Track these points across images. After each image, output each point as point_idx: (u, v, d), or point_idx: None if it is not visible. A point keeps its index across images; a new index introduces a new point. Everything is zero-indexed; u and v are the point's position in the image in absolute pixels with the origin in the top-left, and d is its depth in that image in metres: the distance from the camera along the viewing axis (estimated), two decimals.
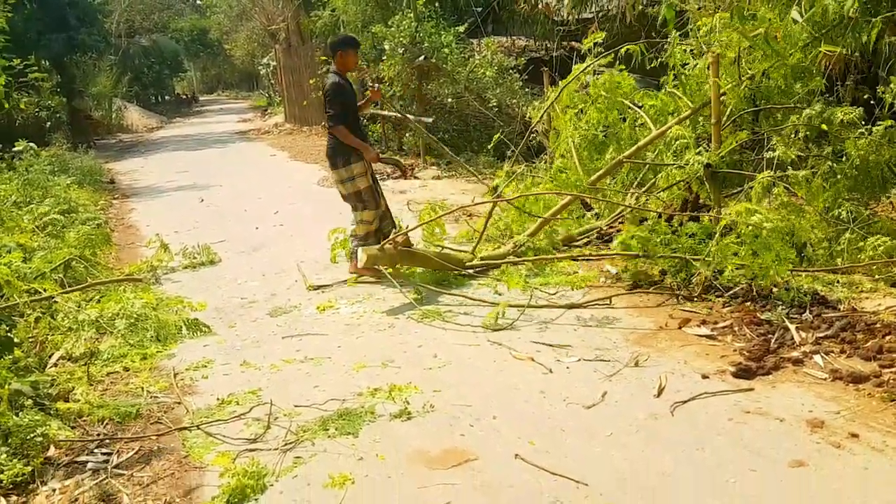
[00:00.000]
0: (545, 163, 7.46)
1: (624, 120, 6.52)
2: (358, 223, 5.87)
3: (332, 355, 4.44)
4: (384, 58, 12.29)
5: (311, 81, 16.14)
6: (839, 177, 5.03)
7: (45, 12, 17.32)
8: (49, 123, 14.84)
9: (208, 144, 19.42)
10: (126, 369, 4.42)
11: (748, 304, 4.66)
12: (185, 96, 44.31)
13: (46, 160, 10.23)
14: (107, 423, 3.73)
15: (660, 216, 5.35)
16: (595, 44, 6.55)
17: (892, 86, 5.08)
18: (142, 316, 5.02)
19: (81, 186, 10.76)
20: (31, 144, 9.91)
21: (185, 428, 3.62)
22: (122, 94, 28.10)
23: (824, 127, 4.96)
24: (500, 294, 5.33)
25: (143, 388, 4.11)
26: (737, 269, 4.50)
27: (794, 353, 3.95)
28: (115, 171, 14.68)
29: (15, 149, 9.67)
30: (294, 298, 5.63)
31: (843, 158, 5.14)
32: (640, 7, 10.62)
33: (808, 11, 4.84)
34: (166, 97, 39.77)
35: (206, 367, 4.40)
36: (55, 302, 5.01)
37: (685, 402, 3.54)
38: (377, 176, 6.09)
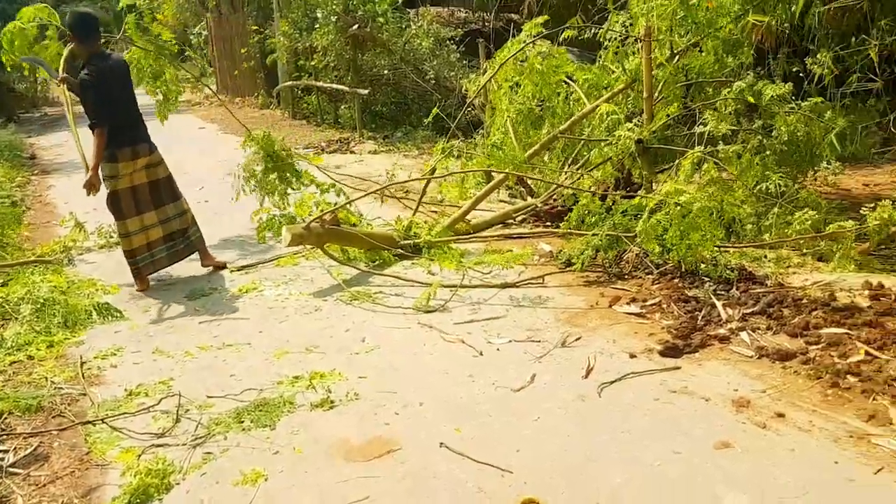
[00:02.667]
0: (481, 138, 7.30)
1: (559, 94, 6.39)
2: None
3: (252, 341, 4.23)
4: (317, 26, 11.89)
5: (242, 51, 15.55)
6: (768, 152, 5.02)
7: None
8: None
9: None
10: (30, 358, 4.13)
11: (676, 280, 4.64)
12: None
13: None
14: (5, 417, 3.46)
15: (594, 194, 5.27)
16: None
17: (819, 57, 5.10)
18: (49, 300, 4.72)
19: None
20: None
21: (88, 422, 3.38)
22: None
23: (751, 100, 4.93)
24: (433, 274, 5.20)
25: (47, 379, 3.84)
26: (663, 251, 4.44)
27: (721, 331, 3.93)
28: (37, 146, 13.89)
29: None
30: (215, 280, 5.37)
31: (773, 133, 5.15)
32: None
33: None
34: None
35: (115, 354, 4.15)
36: None
37: (612, 382, 3.48)
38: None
